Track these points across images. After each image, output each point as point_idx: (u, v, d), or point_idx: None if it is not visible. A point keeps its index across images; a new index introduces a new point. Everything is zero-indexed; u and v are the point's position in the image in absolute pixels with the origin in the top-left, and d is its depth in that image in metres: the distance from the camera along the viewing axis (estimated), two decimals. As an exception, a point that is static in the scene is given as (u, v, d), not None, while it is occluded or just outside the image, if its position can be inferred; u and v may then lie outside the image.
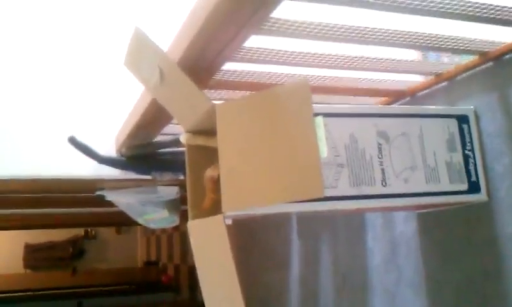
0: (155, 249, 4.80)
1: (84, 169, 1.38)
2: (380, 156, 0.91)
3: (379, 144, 0.92)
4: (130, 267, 5.05)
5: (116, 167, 1.31)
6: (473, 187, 0.97)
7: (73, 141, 1.23)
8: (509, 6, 0.79)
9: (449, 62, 1.04)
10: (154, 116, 1.06)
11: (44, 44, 1.49)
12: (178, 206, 1.65)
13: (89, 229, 5.22)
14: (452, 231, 1.06)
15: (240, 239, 2.16)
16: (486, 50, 0.95)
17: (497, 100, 0.96)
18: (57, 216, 2.79)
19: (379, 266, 1.29)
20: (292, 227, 1.77)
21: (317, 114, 0.85)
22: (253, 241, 2.10)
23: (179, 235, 3.81)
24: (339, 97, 1.19)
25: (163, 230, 4.20)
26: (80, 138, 1.25)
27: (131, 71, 0.87)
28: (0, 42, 1.46)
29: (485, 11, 0.79)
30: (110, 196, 1.56)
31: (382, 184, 0.90)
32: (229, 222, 0.80)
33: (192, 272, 3.40)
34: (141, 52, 0.83)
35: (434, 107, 1.06)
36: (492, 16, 0.81)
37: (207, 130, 0.79)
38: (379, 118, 0.94)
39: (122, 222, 3.34)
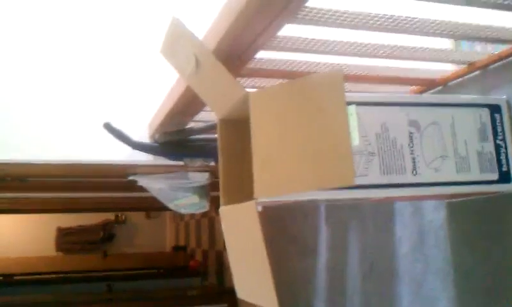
0: (184, 235, 4.85)
1: (117, 154, 1.41)
2: (411, 145, 0.92)
3: (410, 133, 0.92)
4: (158, 252, 5.12)
5: (149, 153, 1.33)
6: (504, 177, 0.96)
7: (108, 127, 1.26)
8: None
9: (482, 51, 1.03)
10: (188, 104, 1.08)
11: (81, 30, 1.52)
12: (208, 192, 1.68)
13: (119, 214, 5.30)
14: (481, 222, 1.06)
15: (269, 226, 2.18)
16: (519, 39, 0.95)
17: (530, 90, 0.95)
18: (88, 200, 2.85)
19: (406, 254, 1.30)
20: (320, 215, 1.78)
21: (349, 103, 0.86)
22: (281, 228, 2.11)
23: (207, 221, 3.84)
24: (371, 85, 1.19)
25: (192, 216, 4.25)
26: (115, 124, 1.28)
27: (167, 59, 0.89)
28: (38, 27, 1.50)
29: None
30: (142, 181, 1.59)
31: (412, 173, 0.91)
32: (259, 208, 0.82)
33: (220, 257, 3.44)
34: (177, 41, 0.85)
35: (466, 96, 1.05)
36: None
37: (241, 118, 0.81)
38: (411, 106, 0.94)
39: (152, 207, 3.38)
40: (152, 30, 1.13)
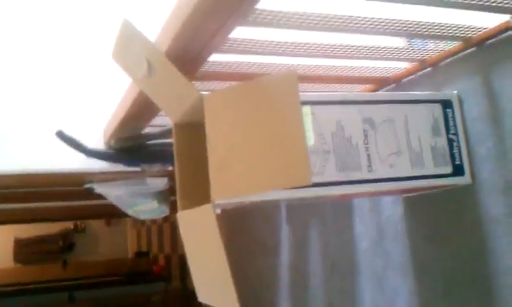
0: (146, 240, 4.81)
1: (73, 162, 1.38)
2: (366, 142, 0.93)
3: (365, 130, 0.93)
4: (120, 258, 5.05)
5: (105, 160, 1.31)
6: (458, 170, 0.99)
7: (61, 135, 1.23)
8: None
9: (434, 48, 1.05)
10: (142, 108, 1.07)
11: (30, 38, 1.48)
12: (168, 197, 1.66)
13: (78, 222, 5.21)
14: (437, 214, 1.08)
15: (229, 228, 2.17)
16: (469, 35, 0.97)
17: (480, 85, 0.98)
18: (46, 210, 2.78)
19: (367, 250, 1.32)
20: (280, 214, 1.79)
21: (304, 103, 0.86)
22: (242, 230, 2.11)
23: (169, 225, 3.82)
24: (325, 85, 1.20)
25: (153, 221, 4.21)
26: (68, 132, 1.25)
27: (118, 64, 0.87)
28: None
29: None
30: (99, 188, 1.56)
31: (368, 169, 0.92)
32: (218, 211, 0.81)
33: (183, 261, 3.41)
34: (128, 44, 0.84)
35: (418, 93, 1.07)
36: (474, 2, 0.82)
37: (196, 122, 0.80)
38: (365, 104, 0.95)
39: (111, 214, 3.34)
40: (103, 34, 1.11)
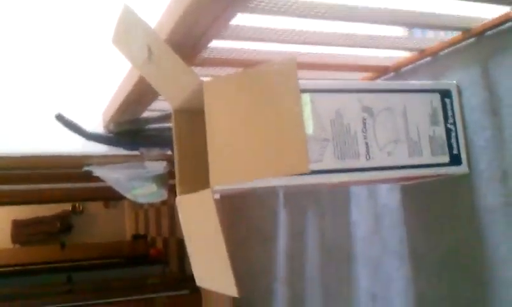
0: (144, 223, 4.82)
1: (72, 145, 1.39)
2: (364, 130, 0.93)
3: (364, 118, 0.94)
4: (118, 241, 5.07)
5: (104, 144, 1.32)
6: (455, 160, 0.99)
7: (60, 118, 1.23)
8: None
9: (434, 38, 1.06)
10: (142, 93, 1.07)
11: (30, 21, 1.48)
12: (166, 180, 1.67)
13: (76, 204, 5.22)
14: (434, 203, 1.09)
15: (227, 214, 2.18)
16: (469, 26, 0.97)
17: (479, 75, 0.98)
18: (44, 192, 2.79)
19: (363, 238, 1.33)
20: (278, 201, 1.79)
21: (303, 91, 0.87)
22: (240, 216, 2.12)
23: (167, 209, 3.83)
24: (325, 73, 1.20)
25: (151, 204, 4.22)
26: (68, 115, 1.25)
27: (119, 49, 0.88)
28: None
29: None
30: (97, 171, 1.57)
31: (366, 158, 0.92)
32: (217, 197, 0.82)
33: (180, 244, 3.43)
34: (129, 30, 0.84)
35: (417, 82, 1.08)
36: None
37: (195, 108, 0.81)
38: (364, 93, 0.95)
39: (110, 196, 3.34)
40: (104, 18, 1.11)
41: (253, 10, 0.78)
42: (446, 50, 1.06)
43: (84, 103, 1.44)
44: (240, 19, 0.82)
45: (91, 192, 2.80)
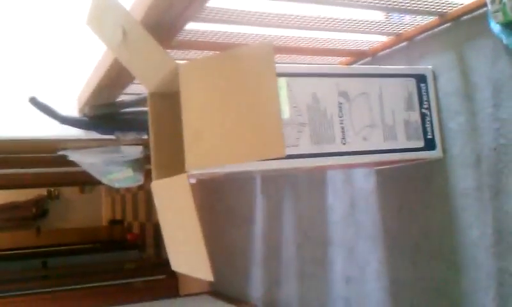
0: (120, 208, 4.78)
1: (46, 129, 1.37)
2: (340, 115, 0.93)
3: (340, 103, 0.94)
4: (94, 226, 5.02)
5: (79, 128, 1.30)
6: (429, 144, 1.00)
7: (34, 102, 1.21)
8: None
9: (411, 22, 1.06)
10: (117, 76, 1.06)
11: (2, 5, 1.45)
12: (143, 165, 1.66)
13: (52, 189, 5.16)
14: (408, 187, 1.10)
15: (204, 197, 2.18)
16: (445, 11, 0.98)
17: (454, 60, 0.99)
18: (19, 176, 2.75)
19: (339, 221, 1.34)
20: (255, 185, 1.80)
21: (280, 75, 0.87)
22: (217, 199, 2.12)
23: (144, 194, 3.80)
24: (302, 57, 1.20)
25: (128, 189, 4.19)
26: (42, 98, 1.23)
27: (93, 31, 0.86)
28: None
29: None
30: (73, 155, 1.55)
31: (342, 142, 0.93)
32: (193, 181, 0.82)
33: (157, 230, 3.41)
34: (103, 11, 0.83)
35: (393, 67, 1.08)
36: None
37: (171, 91, 0.80)
38: (341, 77, 0.96)
39: (86, 181, 3.31)
40: (80, 0, 1.09)
41: (229, -8, 0.78)
42: (422, 35, 1.07)
43: (58, 87, 1.42)
44: (217, 1, 0.81)
45: (67, 176, 2.77)
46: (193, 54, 1.07)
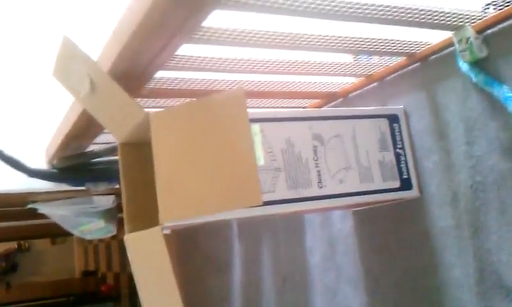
0: (93, 258, 4.68)
1: (15, 182, 1.33)
2: (315, 158, 0.93)
3: (314, 146, 0.93)
4: (67, 279, 4.89)
5: (48, 180, 1.26)
6: (405, 184, 1.00)
7: (0, 155, 1.18)
8: (431, 9, 0.82)
9: (379, 63, 1.07)
10: (86, 127, 1.03)
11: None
12: (115, 215, 1.62)
13: (22, 242, 5.02)
14: (387, 228, 1.09)
15: (180, 245, 2.14)
16: (413, 51, 0.98)
17: (425, 99, 1.00)
18: (-13, 231, 2.68)
19: (318, 265, 1.31)
20: (232, 231, 1.77)
21: (253, 121, 0.86)
22: (194, 246, 2.09)
23: (118, 243, 3.73)
24: (273, 100, 1.20)
25: (101, 239, 4.11)
26: (8, 151, 1.20)
27: (60, 82, 0.84)
28: None
29: (409, 15, 0.81)
30: (43, 208, 1.51)
31: (318, 186, 0.92)
32: (167, 232, 0.79)
33: (132, 280, 3.33)
34: (70, 62, 0.81)
35: (365, 108, 1.08)
36: (416, 19, 0.83)
37: (142, 141, 0.78)
38: (314, 121, 0.95)
39: (57, 233, 3.23)
40: (45, 50, 1.08)
41: (198, 41, 0.77)
42: (392, 75, 1.07)
43: (25, 139, 1.39)
44: (186, 49, 0.80)
45: (38, 229, 2.70)
46: (164, 101, 1.06)
